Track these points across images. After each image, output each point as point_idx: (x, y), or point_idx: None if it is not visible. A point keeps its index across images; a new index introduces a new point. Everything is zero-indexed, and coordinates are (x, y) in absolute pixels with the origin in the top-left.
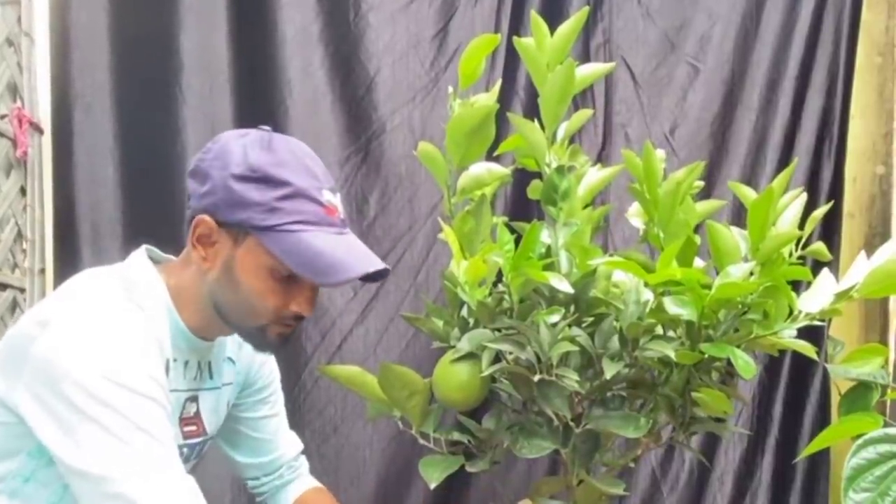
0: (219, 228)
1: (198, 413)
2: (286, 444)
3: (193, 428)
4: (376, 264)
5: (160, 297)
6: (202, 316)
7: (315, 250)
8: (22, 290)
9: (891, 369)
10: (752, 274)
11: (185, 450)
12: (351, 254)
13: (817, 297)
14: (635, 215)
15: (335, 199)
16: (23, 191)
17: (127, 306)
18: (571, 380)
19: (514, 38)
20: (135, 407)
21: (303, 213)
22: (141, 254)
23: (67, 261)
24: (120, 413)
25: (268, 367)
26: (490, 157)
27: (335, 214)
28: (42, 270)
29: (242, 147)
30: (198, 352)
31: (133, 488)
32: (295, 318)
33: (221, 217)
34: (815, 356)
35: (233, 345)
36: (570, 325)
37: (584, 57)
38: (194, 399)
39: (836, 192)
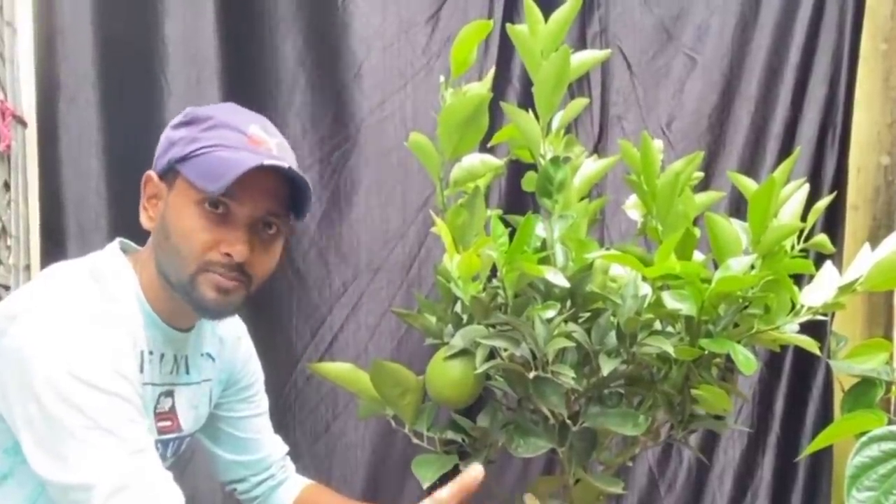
0: (159, 181)
1: (173, 408)
2: (272, 443)
3: (168, 423)
4: (273, 161)
5: (130, 287)
6: (164, 297)
7: (218, 161)
8: (7, 288)
9: (895, 365)
10: (752, 267)
11: (158, 446)
12: (252, 158)
13: (820, 290)
14: (633, 207)
15: (267, 137)
16: (6, 185)
17: (96, 298)
18: (567, 377)
19: (508, 24)
20: (100, 406)
21: (221, 139)
22: (114, 245)
23: (53, 256)
24: (84, 413)
25: (252, 366)
26: (483, 147)
27: (261, 145)
28: (27, 267)
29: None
30: (174, 344)
31: (98, 496)
32: (228, 267)
33: (159, 167)
34: (817, 351)
35: (213, 341)
36: (566, 321)
37: (581, 45)
38: (170, 394)
39: (840, 184)
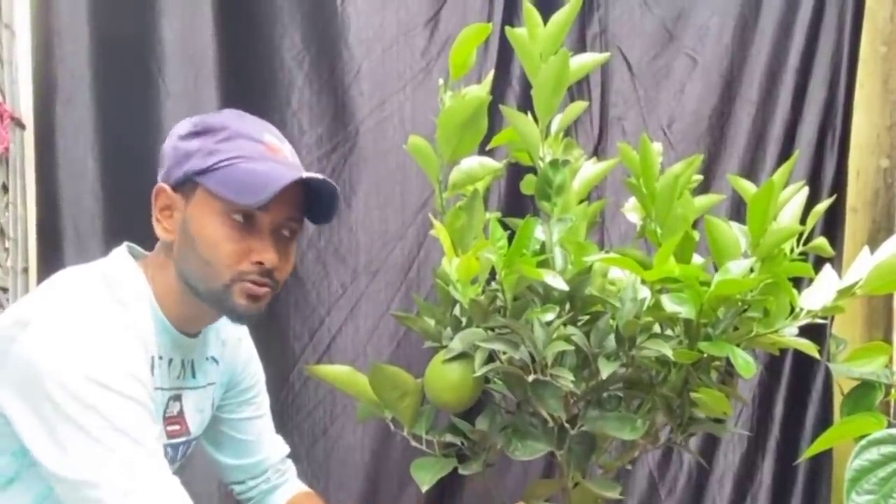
0: (174, 193)
1: (181, 412)
2: (272, 446)
3: (177, 427)
4: (309, 173)
5: (142, 293)
6: (181, 304)
7: (246, 173)
8: (5, 290)
9: (895, 368)
10: (752, 270)
11: (168, 450)
12: (285, 171)
13: (819, 293)
14: (632, 210)
15: (281, 144)
16: (4, 188)
17: (109, 303)
18: (566, 380)
19: (507, 27)
20: (115, 408)
21: (241, 150)
22: (122, 250)
23: (50, 259)
24: (100, 414)
25: (252, 367)
26: (483, 150)
27: (278, 153)
28: (25, 269)
29: (192, 118)
30: (181, 349)
31: (110, 495)
32: (261, 274)
33: (173, 179)
34: (816, 355)
35: (216, 344)
36: (564, 324)
37: (580, 47)
38: (178, 398)
39: (839, 187)
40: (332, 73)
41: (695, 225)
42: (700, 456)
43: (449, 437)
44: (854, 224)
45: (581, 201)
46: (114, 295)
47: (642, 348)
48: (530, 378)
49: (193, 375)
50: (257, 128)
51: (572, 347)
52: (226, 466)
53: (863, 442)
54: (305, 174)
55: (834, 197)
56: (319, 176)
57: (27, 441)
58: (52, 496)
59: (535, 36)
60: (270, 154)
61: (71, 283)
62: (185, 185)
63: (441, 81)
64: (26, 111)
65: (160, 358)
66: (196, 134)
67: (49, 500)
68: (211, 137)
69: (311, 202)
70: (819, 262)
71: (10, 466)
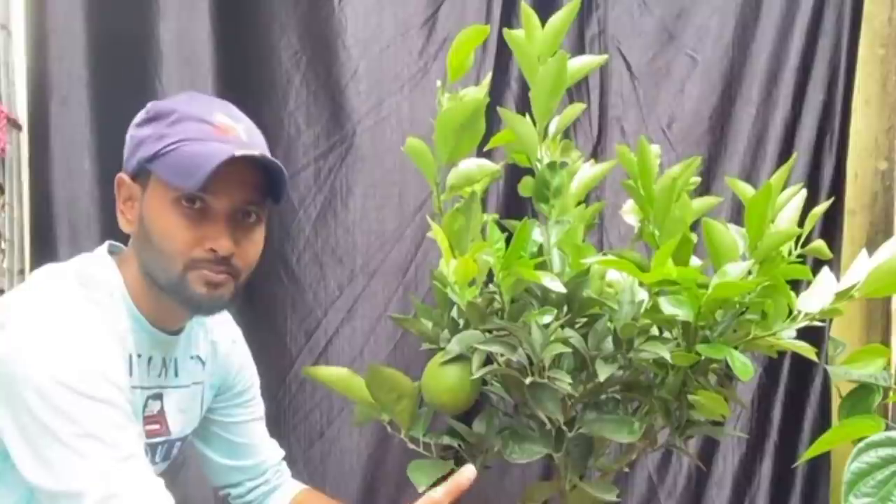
0: (133, 183)
1: (162, 412)
2: (268, 449)
3: (156, 427)
4: (245, 150)
5: (116, 290)
6: (149, 298)
7: (188, 156)
8: (1, 292)
9: (893, 371)
10: (750, 273)
11: (147, 450)
12: (223, 150)
13: (817, 296)
14: (630, 212)
15: (232, 122)
16: (1, 189)
17: (84, 303)
18: (564, 382)
19: (504, 29)
20: (87, 412)
21: (187, 132)
22: (102, 249)
23: (45, 261)
24: (71, 419)
25: (246, 371)
26: (480, 152)
27: (229, 133)
28: (21, 271)
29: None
30: (161, 347)
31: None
32: (215, 262)
33: (130, 169)
34: (814, 357)
35: (204, 344)
36: (562, 326)
37: (579, 48)
38: (158, 397)
39: (837, 189)
40: (329, 73)
41: (693, 227)
42: (699, 458)
43: (446, 440)
44: (852, 226)
45: (579, 203)
46: (88, 294)
47: (640, 351)
48: (528, 380)
49: (176, 374)
50: (208, 108)
51: (570, 350)
52: (222, 468)
53: (861, 445)
54: (239, 151)
55: (832, 199)
56: (256, 153)
57: (9, 447)
58: (35, 498)
59: (532, 38)
60: (218, 134)
61: (45, 284)
62: (140, 174)
63: (439, 83)
64: (22, 112)
65: (139, 356)
66: (148, 121)
67: (31, 503)
68: (161, 122)
69: (272, 183)
70: (817, 265)
71: None
